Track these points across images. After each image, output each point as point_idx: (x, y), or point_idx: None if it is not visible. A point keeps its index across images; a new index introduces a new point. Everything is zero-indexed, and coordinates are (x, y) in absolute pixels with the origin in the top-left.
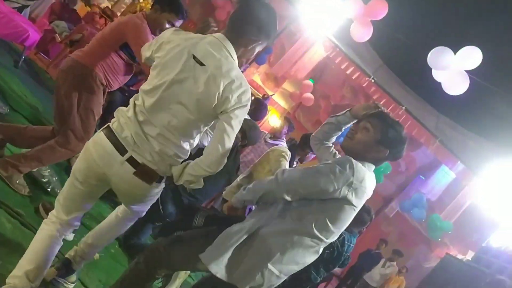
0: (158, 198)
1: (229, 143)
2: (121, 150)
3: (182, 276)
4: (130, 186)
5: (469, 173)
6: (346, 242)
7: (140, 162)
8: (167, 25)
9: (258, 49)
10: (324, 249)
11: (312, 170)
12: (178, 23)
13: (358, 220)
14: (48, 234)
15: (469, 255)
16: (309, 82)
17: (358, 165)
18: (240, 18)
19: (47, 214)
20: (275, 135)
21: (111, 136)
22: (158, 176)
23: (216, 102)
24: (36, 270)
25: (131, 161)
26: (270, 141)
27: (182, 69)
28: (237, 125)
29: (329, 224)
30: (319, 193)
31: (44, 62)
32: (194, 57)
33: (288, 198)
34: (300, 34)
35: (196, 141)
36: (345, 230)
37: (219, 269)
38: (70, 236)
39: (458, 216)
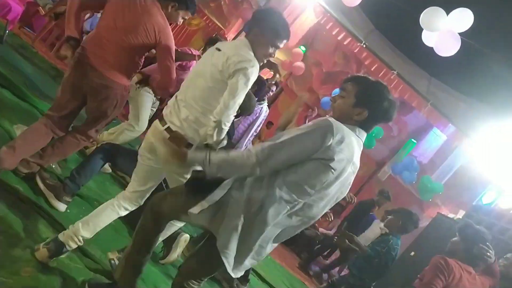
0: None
1: (232, 98)
2: (163, 122)
3: (182, 244)
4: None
5: (460, 134)
6: (396, 247)
7: (173, 130)
8: (180, 20)
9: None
10: (372, 258)
11: (293, 142)
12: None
13: (402, 228)
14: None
15: (460, 214)
16: (299, 50)
17: (338, 127)
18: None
19: (43, 184)
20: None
21: (160, 115)
22: (187, 142)
23: (221, 68)
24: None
25: (168, 129)
26: None
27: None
28: (239, 86)
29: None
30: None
31: (29, 36)
32: (217, 48)
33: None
34: (290, 0)
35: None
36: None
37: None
38: (62, 207)
39: (449, 177)
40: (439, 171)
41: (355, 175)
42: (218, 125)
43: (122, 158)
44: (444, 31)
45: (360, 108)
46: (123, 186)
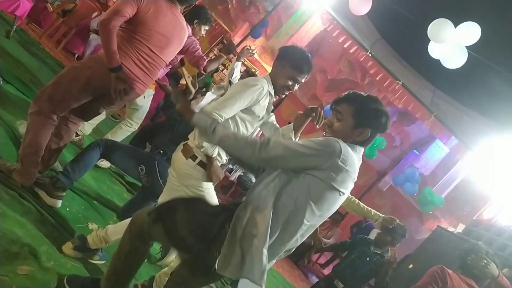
0: (156, 170)
1: (227, 97)
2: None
3: None
4: (175, 159)
5: (463, 147)
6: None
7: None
8: (202, 33)
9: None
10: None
11: (297, 148)
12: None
13: (392, 242)
14: None
15: (460, 228)
16: None
17: (345, 147)
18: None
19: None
20: None
21: None
22: (193, 153)
23: None
24: None
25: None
26: None
27: None
28: (236, 87)
29: (312, 204)
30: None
31: (36, 33)
32: None
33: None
34: (297, 6)
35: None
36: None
37: None
38: (58, 203)
39: (450, 190)
40: (441, 183)
41: None
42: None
43: (118, 154)
44: (451, 44)
45: (362, 128)
46: (123, 184)
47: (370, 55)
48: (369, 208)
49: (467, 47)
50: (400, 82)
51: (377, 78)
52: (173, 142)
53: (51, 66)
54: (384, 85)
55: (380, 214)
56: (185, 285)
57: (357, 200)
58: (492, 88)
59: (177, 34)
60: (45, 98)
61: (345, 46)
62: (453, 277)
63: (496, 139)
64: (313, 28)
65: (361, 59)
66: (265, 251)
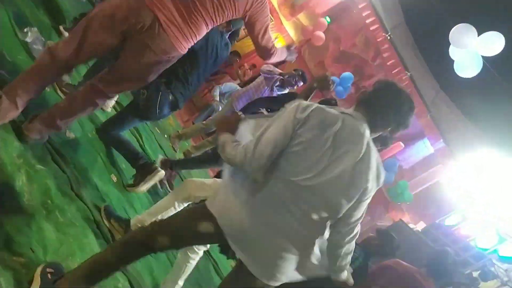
0: (158, 99)
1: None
2: None
3: (156, 179)
4: None
5: (447, 153)
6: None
7: None
8: None
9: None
10: None
11: (275, 134)
12: None
13: (377, 249)
14: None
15: (420, 226)
16: (324, 20)
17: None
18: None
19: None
20: (284, 82)
21: None
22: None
23: None
24: None
25: None
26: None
27: None
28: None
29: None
30: None
31: None
32: None
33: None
34: None
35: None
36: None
37: None
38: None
39: (422, 189)
40: (416, 180)
41: None
42: None
43: None
44: (469, 52)
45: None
46: None
47: (388, 37)
48: None
49: (483, 57)
50: (408, 74)
51: (387, 63)
52: (182, 83)
53: None
54: (393, 72)
55: None
56: None
57: None
58: (496, 103)
59: None
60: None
61: (367, 21)
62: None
63: (482, 153)
64: None
65: (378, 39)
66: None
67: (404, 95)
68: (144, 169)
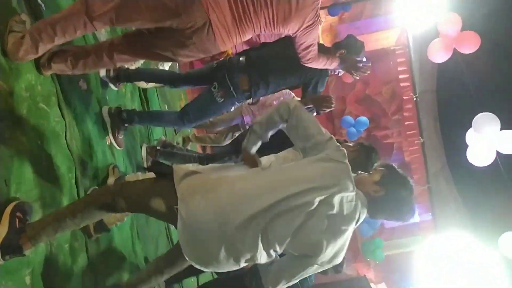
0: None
1: None
2: None
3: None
4: None
5: (431, 228)
6: None
7: None
8: None
9: None
10: None
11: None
12: None
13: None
14: None
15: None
16: None
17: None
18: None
19: None
20: None
21: None
22: None
23: None
24: None
25: None
26: None
27: None
28: None
29: None
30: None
31: None
32: None
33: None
34: (384, 14)
35: None
36: None
37: None
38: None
39: (395, 253)
40: (392, 242)
41: None
42: None
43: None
44: (486, 142)
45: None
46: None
47: (414, 98)
48: None
49: (498, 152)
50: (421, 140)
51: (405, 123)
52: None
53: None
54: (407, 132)
55: None
56: None
57: None
58: (494, 198)
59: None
60: None
61: (400, 76)
62: None
63: (465, 240)
64: (385, 39)
65: (404, 97)
66: None
67: (412, 202)
68: None
